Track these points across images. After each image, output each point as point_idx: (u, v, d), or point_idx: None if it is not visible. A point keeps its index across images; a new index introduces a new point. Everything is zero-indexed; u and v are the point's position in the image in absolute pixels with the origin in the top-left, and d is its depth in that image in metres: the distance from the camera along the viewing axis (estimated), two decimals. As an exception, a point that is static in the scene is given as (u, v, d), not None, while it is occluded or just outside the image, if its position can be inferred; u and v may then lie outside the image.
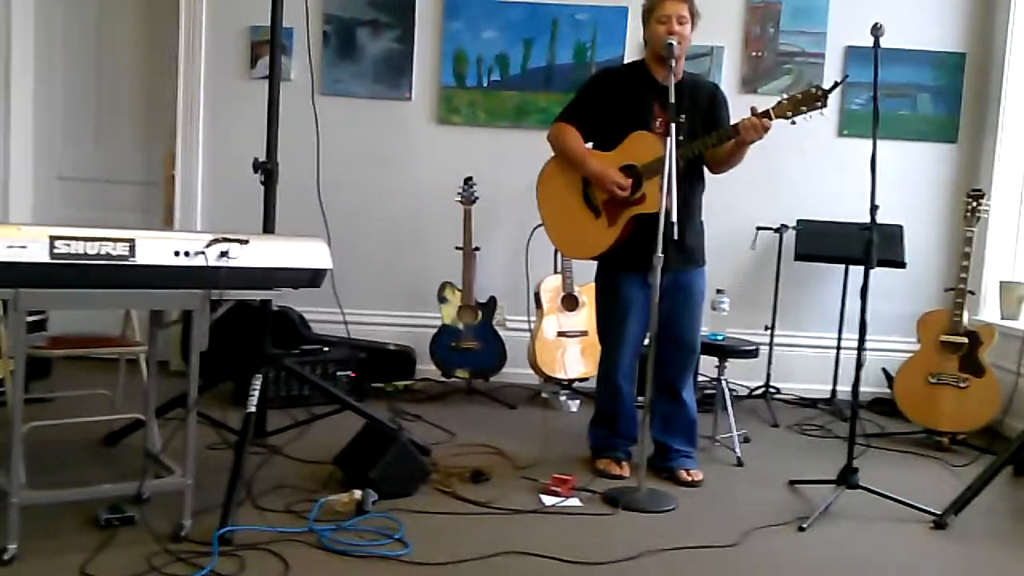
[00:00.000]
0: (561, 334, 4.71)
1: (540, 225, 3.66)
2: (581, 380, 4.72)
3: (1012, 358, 4.39)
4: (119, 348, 3.68)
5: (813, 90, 3.18)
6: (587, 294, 4.63)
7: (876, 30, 3.12)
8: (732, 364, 3.95)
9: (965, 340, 4.18)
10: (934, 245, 5.15)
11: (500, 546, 2.68)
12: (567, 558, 2.63)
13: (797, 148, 5.03)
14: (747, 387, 4.96)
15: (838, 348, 4.83)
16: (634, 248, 3.33)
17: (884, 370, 4.79)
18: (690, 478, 3.43)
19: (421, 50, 5.09)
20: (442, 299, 4.74)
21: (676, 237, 3.03)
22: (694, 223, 3.49)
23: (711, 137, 3.29)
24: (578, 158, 3.47)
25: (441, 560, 2.56)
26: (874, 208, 3.14)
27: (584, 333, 4.69)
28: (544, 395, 4.80)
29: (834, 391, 4.90)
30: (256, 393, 3.18)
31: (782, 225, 4.86)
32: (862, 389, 3.23)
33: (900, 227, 4.70)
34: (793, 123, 3.21)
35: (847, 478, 3.18)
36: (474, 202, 4.77)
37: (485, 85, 5.10)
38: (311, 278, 2.82)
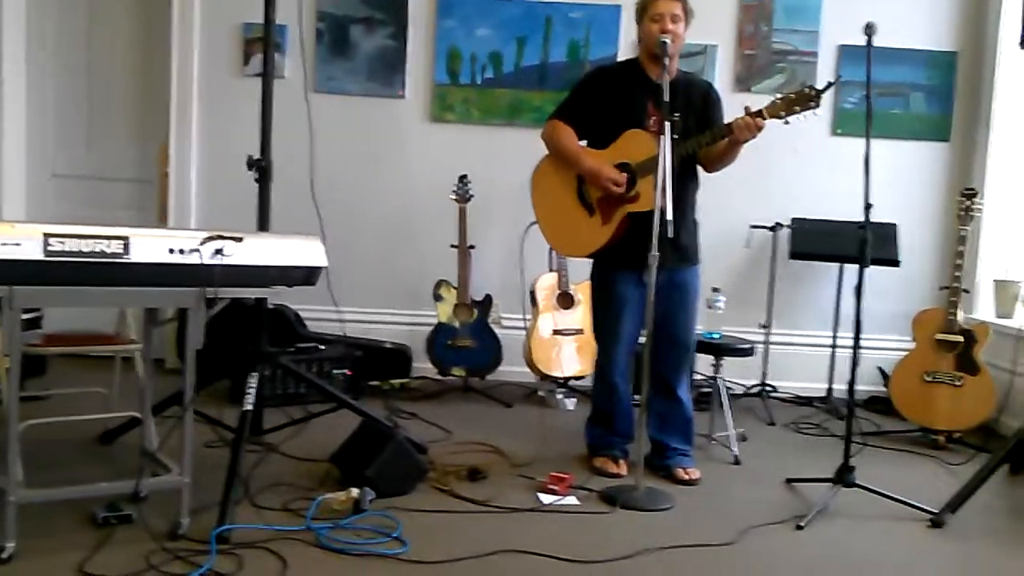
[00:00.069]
0: (557, 332, 4.71)
1: (535, 223, 3.66)
2: (577, 378, 4.72)
3: (1007, 356, 4.41)
4: (114, 346, 3.66)
5: (806, 90, 3.18)
6: (583, 292, 4.64)
7: (869, 29, 3.13)
8: (728, 362, 3.95)
9: (960, 338, 4.20)
10: (928, 244, 5.17)
11: (497, 544, 2.68)
12: (564, 556, 2.63)
13: (791, 147, 5.04)
14: (743, 385, 4.97)
15: (834, 346, 4.84)
16: (629, 246, 3.34)
17: (880, 368, 4.80)
18: (687, 476, 3.43)
19: (415, 48, 5.08)
20: (438, 297, 4.74)
21: (671, 235, 3.04)
22: (688, 221, 3.49)
23: (705, 136, 3.30)
24: (572, 156, 3.47)
25: (438, 558, 2.56)
26: (868, 207, 3.15)
27: (580, 331, 4.69)
28: (540, 393, 4.80)
29: (830, 389, 4.91)
30: (252, 391, 3.18)
31: (776, 223, 4.87)
32: (858, 387, 3.25)
33: (894, 226, 4.72)
34: (786, 123, 3.21)
35: (844, 476, 3.18)
36: (469, 200, 4.76)
37: (479, 83, 5.10)
38: (306, 276, 2.81)
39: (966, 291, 4.37)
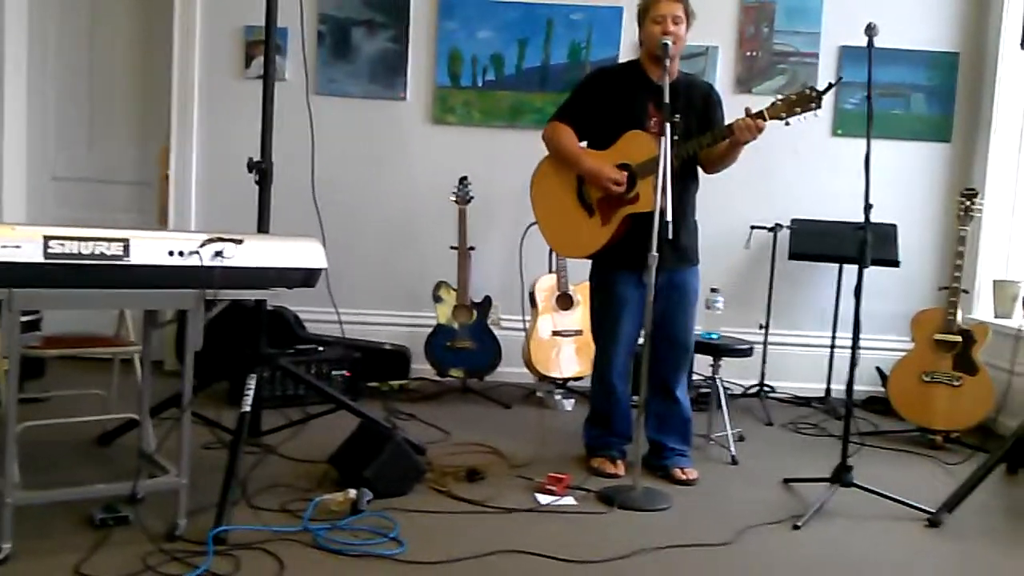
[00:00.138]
0: (556, 333, 4.71)
1: (534, 224, 3.67)
2: (576, 379, 4.73)
3: (1005, 356, 4.41)
4: (113, 348, 3.67)
5: (807, 91, 3.19)
6: (582, 293, 4.64)
7: (870, 30, 3.13)
8: (726, 363, 3.96)
9: (959, 339, 4.20)
10: (928, 244, 5.16)
11: (495, 545, 2.68)
12: (562, 557, 2.63)
13: (791, 148, 5.04)
14: (742, 386, 4.97)
15: (832, 347, 4.84)
16: (628, 247, 3.34)
17: (878, 369, 4.80)
18: (685, 476, 3.44)
19: (416, 50, 5.09)
20: (437, 298, 4.74)
21: (671, 236, 3.04)
22: (688, 222, 3.49)
23: (705, 137, 3.30)
24: (572, 156, 3.48)
25: (436, 559, 2.56)
26: (868, 207, 3.15)
27: (579, 332, 4.70)
28: (539, 394, 4.81)
29: (828, 390, 4.91)
30: (251, 393, 3.18)
31: (776, 224, 4.87)
32: (856, 388, 3.25)
33: (894, 226, 4.72)
34: (787, 124, 3.22)
35: (841, 476, 3.19)
36: (469, 202, 4.77)
37: (480, 85, 5.11)
38: (306, 278, 2.82)
39: (965, 291, 4.37)
